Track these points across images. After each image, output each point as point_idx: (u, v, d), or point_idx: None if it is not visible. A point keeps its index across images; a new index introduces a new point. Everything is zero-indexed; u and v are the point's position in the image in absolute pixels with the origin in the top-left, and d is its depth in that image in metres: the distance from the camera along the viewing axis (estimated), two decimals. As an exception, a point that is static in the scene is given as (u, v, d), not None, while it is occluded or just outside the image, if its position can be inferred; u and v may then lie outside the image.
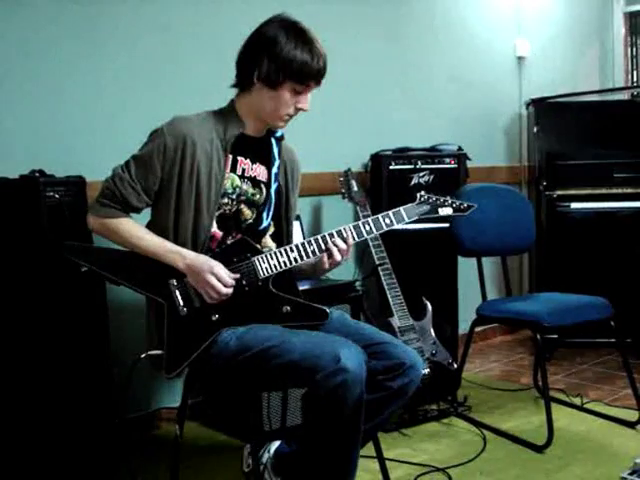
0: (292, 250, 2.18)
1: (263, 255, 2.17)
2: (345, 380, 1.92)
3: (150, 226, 2.26)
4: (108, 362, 2.72)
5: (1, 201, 2.57)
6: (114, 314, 2.85)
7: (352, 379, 1.93)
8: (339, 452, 2.05)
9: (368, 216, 3.26)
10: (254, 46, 2.18)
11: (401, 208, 2.29)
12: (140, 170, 2.16)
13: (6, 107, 2.86)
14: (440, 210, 2.33)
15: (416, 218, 2.30)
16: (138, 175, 2.16)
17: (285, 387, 2.74)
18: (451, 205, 2.34)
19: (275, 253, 2.18)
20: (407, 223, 2.30)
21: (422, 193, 2.32)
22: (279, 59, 2.11)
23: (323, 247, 2.19)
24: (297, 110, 2.22)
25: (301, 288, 2.45)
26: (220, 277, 2.10)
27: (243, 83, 2.23)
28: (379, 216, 2.27)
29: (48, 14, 2.94)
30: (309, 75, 2.15)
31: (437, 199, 2.32)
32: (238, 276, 2.14)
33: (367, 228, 2.25)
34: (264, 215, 2.29)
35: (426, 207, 2.31)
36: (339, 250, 2.19)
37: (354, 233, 2.23)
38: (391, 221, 2.26)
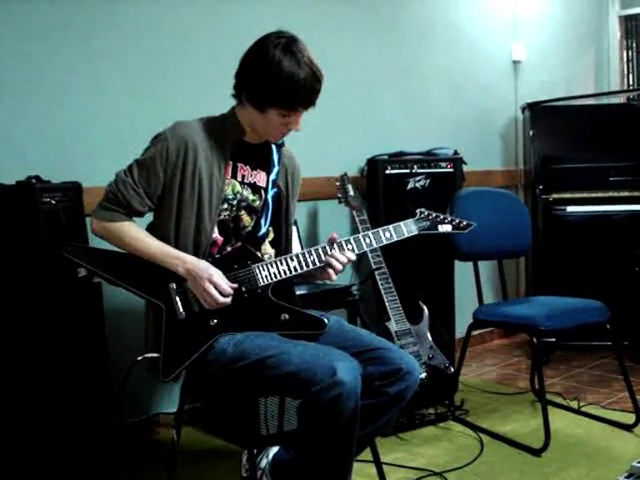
0: (292, 259, 2.19)
1: (263, 263, 2.18)
2: (340, 394, 1.93)
3: (152, 230, 2.26)
4: (105, 366, 2.71)
5: (-3, 207, 2.57)
6: (111, 319, 2.85)
7: (347, 393, 1.94)
8: (333, 461, 2.06)
9: (364, 221, 3.32)
10: (246, 64, 2.16)
11: (401, 223, 2.32)
12: (143, 174, 2.17)
13: (2, 113, 2.86)
14: (440, 227, 2.36)
15: (416, 233, 2.33)
16: (141, 179, 2.17)
17: (281, 394, 2.74)
18: (450, 222, 2.37)
19: (275, 262, 2.19)
20: (407, 238, 2.32)
21: (422, 209, 2.36)
22: (266, 84, 2.09)
23: (323, 258, 2.20)
24: (289, 130, 2.22)
25: (298, 293, 2.46)
26: (218, 286, 2.10)
27: (238, 97, 2.23)
28: (379, 230, 2.29)
29: (45, 20, 2.95)
30: (295, 101, 2.12)
31: (437, 216, 2.36)
32: (236, 286, 2.14)
33: (367, 241, 2.27)
34: (262, 221, 2.30)
35: (426, 223, 2.35)
36: (337, 263, 2.20)
37: (354, 246, 2.24)
38: (391, 235, 2.30)
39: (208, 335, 2.13)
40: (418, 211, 2.35)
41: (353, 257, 2.23)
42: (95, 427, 2.66)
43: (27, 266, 2.53)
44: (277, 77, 2.08)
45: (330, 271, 2.20)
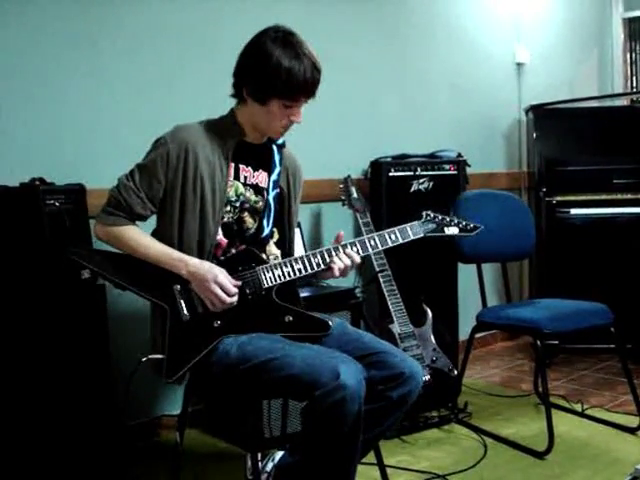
0: (297, 262, 2.19)
1: (267, 265, 2.19)
2: (344, 397, 1.93)
3: (156, 234, 2.27)
4: (109, 368, 2.72)
5: (1, 209, 2.57)
6: (114, 321, 2.85)
7: (351, 396, 1.93)
8: (337, 465, 2.06)
9: (367, 223, 3.32)
10: (244, 60, 2.19)
11: (407, 225, 2.30)
12: (144, 178, 2.18)
13: (6, 115, 2.86)
14: (446, 229, 2.33)
15: (422, 235, 2.31)
16: (142, 183, 2.18)
17: (285, 397, 2.74)
18: (457, 225, 2.34)
19: (280, 264, 2.19)
20: (412, 240, 2.30)
21: (428, 212, 2.32)
22: (265, 75, 2.12)
23: (327, 260, 2.20)
24: (291, 122, 2.23)
25: (301, 295, 2.46)
26: (224, 286, 2.11)
27: (238, 96, 2.25)
28: (385, 232, 2.28)
29: (50, 21, 2.95)
30: (296, 90, 2.14)
31: (443, 218, 2.33)
32: (240, 283, 2.15)
33: (372, 243, 2.26)
34: (264, 222, 2.30)
35: (432, 225, 2.31)
36: (342, 266, 2.19)
37: (359, 248, 2.24)
38: (397, 237, 2.28)
39: (212, 336, 2.14)
40: (424, 213, 2.31)
41: (357, 259, 2.23)
42: (99, 429, 2.66)
43: (31, 268, 2.53)
44: (277, 68, 2.10)
45: (334, 270, 2.20)
